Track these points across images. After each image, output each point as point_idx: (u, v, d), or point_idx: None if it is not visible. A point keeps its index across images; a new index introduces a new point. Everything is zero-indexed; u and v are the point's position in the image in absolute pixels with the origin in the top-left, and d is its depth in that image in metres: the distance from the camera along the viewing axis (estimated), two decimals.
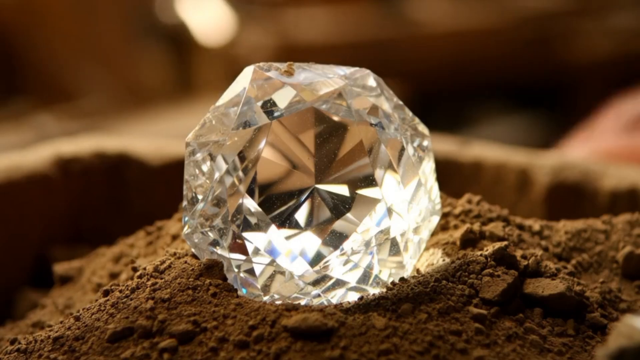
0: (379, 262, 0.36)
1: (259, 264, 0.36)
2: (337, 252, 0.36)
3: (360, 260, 0.36)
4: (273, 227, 0.35)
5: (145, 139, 0.50)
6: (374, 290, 0.36)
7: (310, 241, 0.36)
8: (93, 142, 0.48)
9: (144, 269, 0.36)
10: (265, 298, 0.36)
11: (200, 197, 0.36)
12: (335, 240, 0.36)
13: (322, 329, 0.33)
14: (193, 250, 0.36)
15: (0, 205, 0.45)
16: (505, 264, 0.35)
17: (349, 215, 0.35)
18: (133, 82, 1.46)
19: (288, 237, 0.36)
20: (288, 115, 0.36)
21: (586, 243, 0.38)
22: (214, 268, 0.36)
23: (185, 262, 0.36)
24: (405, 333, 0.33)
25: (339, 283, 0.36)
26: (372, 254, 0.36)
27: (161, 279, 0.35)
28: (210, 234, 0.36)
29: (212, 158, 0.37)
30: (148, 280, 0.35)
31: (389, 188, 0.36)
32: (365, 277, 0.37)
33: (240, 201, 0.36)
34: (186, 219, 0.36)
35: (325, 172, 0.35)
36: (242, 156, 0.36)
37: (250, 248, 0.36)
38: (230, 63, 1.50)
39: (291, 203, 0.35)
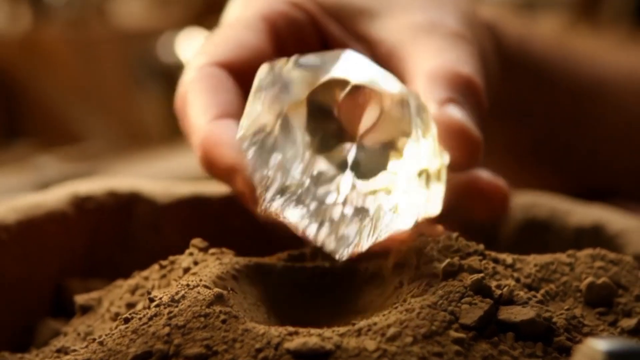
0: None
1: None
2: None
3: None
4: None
5: (154, 179, 0.54)
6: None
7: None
8: (106, 182, 0.52)
9: (160, 298, 0.40)
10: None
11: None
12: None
13: (321, 352, 0.37)
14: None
15: (22, 240, 0.48)
16: (481, 294, 0.39)
17: None
18: (133, 124, 1.48)
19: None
20: None
21: (553, 274, 0.42)
22: (223, 298, 0.40)
23: (198, 292, 0.39)
24: (394, 355, 0.37)
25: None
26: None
27: (176, 307, 0.39)
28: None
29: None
30: (165, 308, 0.39)
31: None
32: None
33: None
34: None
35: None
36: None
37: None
38: None
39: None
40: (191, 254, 0.43)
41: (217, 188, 0.54)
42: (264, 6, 0.54)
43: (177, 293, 0.40)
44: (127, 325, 0.39)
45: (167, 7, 1.77)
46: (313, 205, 0.41)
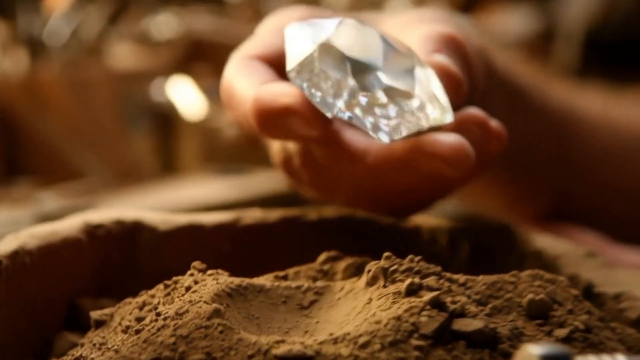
0: None
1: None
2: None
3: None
4: None
5: (154, 211, 0.58)
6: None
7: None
8: (113, 212, 0.56)
9: (167, 313, 0.44)
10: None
11: None
12: None
13: (303, 357, 0.41)
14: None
15: (42, 264, 0.51)
16: (438, 308, 0.42)
17: None
18: (126, 161, 1.49)
19: None
20: None
21: (499, 292, 0.45)
22: (220, 312, 0.44)
23: (199, 307, 0.43)
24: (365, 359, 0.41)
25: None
26: None
27: (180, 320, 0.43)
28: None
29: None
30: (171, 321, 0.43)
31: None
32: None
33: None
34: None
35: None
36: None
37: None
38: (206, 134, 1.56)
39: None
40: (192, 274, 0.47)
41: (210, 218, 0.58)
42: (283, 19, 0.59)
43: (181, 308, 0.44)
44: (138, 336, 0.44)
45: (157, 52, 1.79)
46: (372, 104, 0.49)
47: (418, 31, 0.56)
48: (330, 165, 0.55)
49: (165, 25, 1.87)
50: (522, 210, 0.80)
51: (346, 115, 0.49)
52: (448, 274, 0.45)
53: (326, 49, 0.49)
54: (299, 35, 0.50)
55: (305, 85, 0.49)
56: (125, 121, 1.50)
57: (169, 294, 0.47)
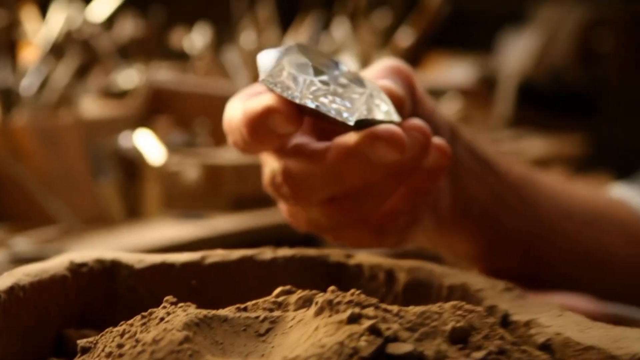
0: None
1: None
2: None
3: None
4: None
5: (130, 252, 0.63)
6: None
7: None
8: (95, 253, 0.61)
9: (144, 339, 0.49)
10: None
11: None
12: None
13: None
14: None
15: (33, 297, 0.55)
16: (375, 334, 0.46)
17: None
18: (95, 207, 1.51)
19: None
20: None
21: (426, 320, 0.49)
22: (189, 339, 0.49)
23: (172, 334, 0.49)
24: None
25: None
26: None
27: (157, 345, 0.48)
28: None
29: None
30: (149, 347, 0.48)
31: None
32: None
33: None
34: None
35: None
36: None
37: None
38: (167, 178, 1.60)
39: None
40: (165, 307, 0.52)
41: (179, 257, 0.63)
42: None
43: (156, 335, 0.49)
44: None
45: (122, 103, 1.83)
46: (334, 95, 0.58)
47: (372, 67, 0.64)
48: (303, 174, 0.62)
49: (130, 78, 1.91)
50: (491, 264, 0.83)
51: (314, 104, 0.57)
52: (384, 305, 0.49)
53: (292, 60, 0.58)
54: (267, 56, 0.58)
55: (278, 87, 0.57)
56: (93, 168, 1.53)
57: (145, 323, 0.52)
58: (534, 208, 0.84)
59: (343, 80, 0.59)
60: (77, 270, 0.59)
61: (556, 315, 0.54)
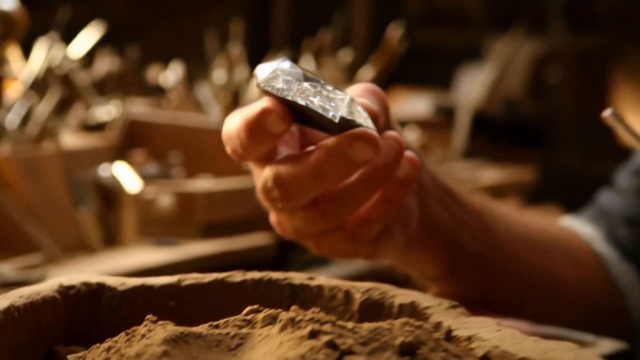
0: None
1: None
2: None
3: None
4: None
5: (113, 276, 0.67)
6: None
7: None
8: (82, 276, 0.65)
9: (128, 354, 0.53)
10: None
11: None
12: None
13: None
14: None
15: (27, 317, 0.58)
16: (332, 348, 0.49)
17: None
18: (76, 235, 1.52)
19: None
20: None
21: (378, 335, 0.52)
22: (169, 353, 0.53)
23: (153, 349, 0.52)
24: None
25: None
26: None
27: (139, 359, 0.52)
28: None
29: None
30: None
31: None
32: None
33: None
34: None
35: None
36: None
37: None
38: (142, 205, 1.63)
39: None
40: (146, 325, 0.56)
41: (158, 280, 0.67)
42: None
43: (139, 350, 0.53)
44: None
45: (100, 136, 1.86)
46: (321, 96, 0.64)
47: (348, 89, 0.72)
48: (291, 175, 0.67)
49: (107, 112, 1.95)
50: (453, 286, 0.88)
51: (304, 102, 0.64)
52: (341, 322, 0.52)
53: (285, 69, 0.65)
54: (264, 67, 0.65)
55: (273, 89, 0.64)
56: (73, 197, 1.56)
57: (129, 339, 0.56)
58: (492, 234, 0.88)
59: (328, 87, 0.66)
60: (66, 292, 0.63)
61: (494, 330, 0.59)
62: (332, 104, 0.64)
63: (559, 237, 1.00)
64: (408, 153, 0.69)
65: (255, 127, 0.64)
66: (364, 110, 0.67)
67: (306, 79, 0.65)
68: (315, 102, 0.64)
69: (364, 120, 0.66)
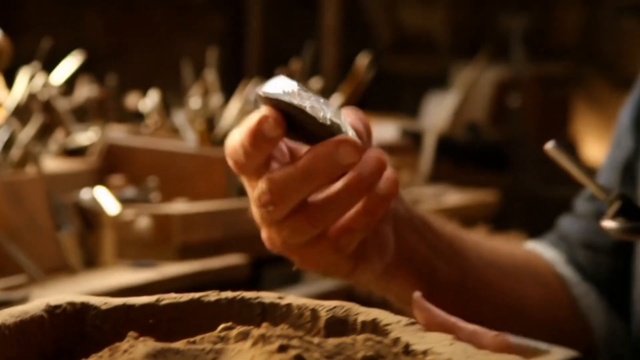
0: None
1: None
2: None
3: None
4: None
5: (94, 295, 0.70)
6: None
7: None
8: (68, 297, 0.67)
9: None
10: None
11: None
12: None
13: None
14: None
15: (16, 335, 0.61)
16: None
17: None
18: (57, 257, 1.54)
19: None
20: None
21: (342, 350, 0.55)
22: None
23: None
24: None
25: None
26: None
27: None
28: None
29: None
30: None
31: None
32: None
33: None
34: None
35: None
36: None
37: None
38: (120, 227, 1.65)
39: None
40: (128, 341, 0.59)
41: (138, 299, 0.70)
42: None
43: None
44: None
45: (81, 160, 1.88)
46: (313, 103, 0.71)
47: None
48: (282, 176, 0.73)
49: (87, 137, 1.97)
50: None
51: (299, 104, 0.70)
52: (308, 338, 0.55)
53: (283, 81, 0.72)
54: (274, 84, 0.72)
55: (271, 95, 0.71)
56: (55, 220, 1.58)
57: (112, 354, 0.58)
58: (463, 260, 0.91)
59: (320, 98, 0.72)
60: (52, 311, 0.65)
61: (448, 344, 0.62)
62: (323, 109, 0.71)
63: (526, 260, 1.04)
64: (388, 171, 0.74)
65: (256, 133, 0.70)
66: (349, 124, 0.73)
67: (300, 89, 0.71)
68: (308, 106, 0.71)
69: (349, 130, 0.73)
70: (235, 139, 0.72)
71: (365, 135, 0.75)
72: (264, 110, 0.70)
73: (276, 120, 0.70)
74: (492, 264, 0.96)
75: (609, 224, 0.78)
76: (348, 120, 0.74)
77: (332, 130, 0.72)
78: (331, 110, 0.72)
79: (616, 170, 1.07)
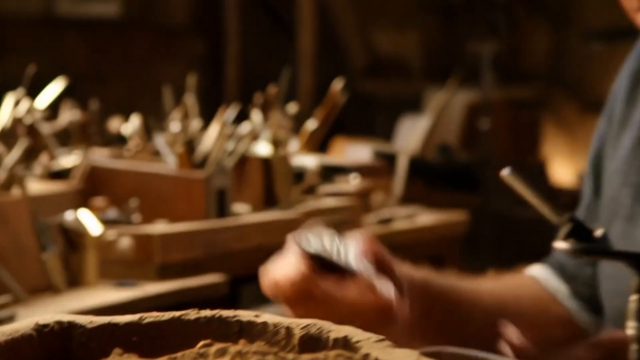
0: None
1: None
2: None
3: None
4: None
5: (78, 314, 0.72)
6: None
7: None
8: (55, 316, 0.70)
9: None
10: None
11: None
12: None
13: None
14: None
15: (8, 351, 0.63)
16: None
17: None
18: (42, 277, 1.56)
19: None
20: None
21: None
22: None
23: None
24: None
25: None
26: None
27: None
28: None
29: None
30: None
31: None
32: None
33: None
34: None
35: None
36: None
37: None
38: (103, 246, 1.67)
39: None
40: (113, 357, 0.61)
41: (122, 318, 0.72)
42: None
43: None
44: None
45: (65, 182, 1.90)
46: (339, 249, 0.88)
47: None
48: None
49: (70, 160, 1.99)
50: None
51: (336, 261, 0.88)
52: (282, 353, 0.60)
53: (319, 234, 0.89)
54: (314, 239, 0.89)
55: (311, 248, 0.88)
56: (39, 241, 1.60)
57: None
58: (458, 305, 1.05)
59: (347, 243, 0.89)
60: (41, 330, 0.68)
61: (414, 359, 0.65)
62: (349, 254, 0.88)
63: (534, 306, 1.10)
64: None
65: (298, 291, 0.86)
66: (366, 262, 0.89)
67: (331, 238, 0.89)
68: (335, 254, 0.88)
69: (369, 269, 0.89)
70: (278, 284, 0.87)
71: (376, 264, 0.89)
72: (305, 268, 0.86)
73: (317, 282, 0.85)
74: (498, 313, 1.02)
75: (561, 244, 0.82)
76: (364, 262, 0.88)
77: (351, 272, 0.87)
78: (352, 252, 0.88)
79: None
